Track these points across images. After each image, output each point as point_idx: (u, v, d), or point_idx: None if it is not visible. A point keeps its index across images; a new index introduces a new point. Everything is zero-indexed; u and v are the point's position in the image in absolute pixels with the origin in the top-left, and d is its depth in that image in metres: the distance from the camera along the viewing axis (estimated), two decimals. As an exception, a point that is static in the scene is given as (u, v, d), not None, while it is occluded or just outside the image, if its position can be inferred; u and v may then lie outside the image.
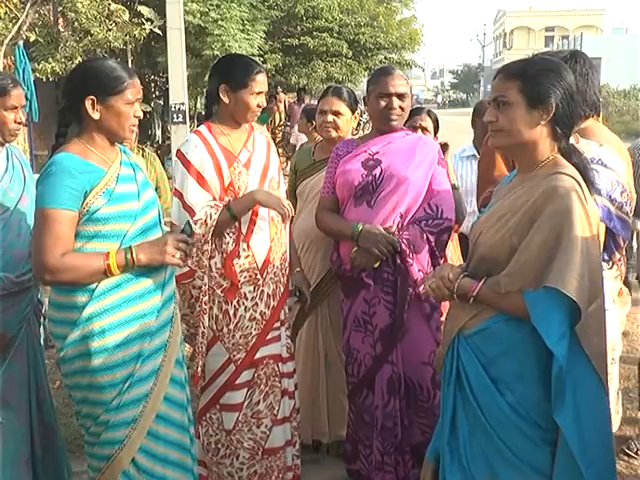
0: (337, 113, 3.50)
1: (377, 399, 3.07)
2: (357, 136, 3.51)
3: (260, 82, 2.91)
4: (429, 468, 2.32)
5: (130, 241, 2.39)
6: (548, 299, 1.97)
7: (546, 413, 2.04)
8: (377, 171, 3.07)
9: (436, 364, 2.48)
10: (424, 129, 3.79)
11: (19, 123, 2.81)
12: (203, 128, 2.97)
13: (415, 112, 3.93)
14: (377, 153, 3.11)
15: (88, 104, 2.34)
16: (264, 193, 2.90)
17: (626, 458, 3.53)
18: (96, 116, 2.35)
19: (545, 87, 2.06)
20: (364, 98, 3.25)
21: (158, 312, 2.47)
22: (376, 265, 3.01)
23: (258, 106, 2.92)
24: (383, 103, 3.07)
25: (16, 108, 2.79)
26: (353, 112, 3.57)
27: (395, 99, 3.05)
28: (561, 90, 2.06)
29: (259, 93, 2.91)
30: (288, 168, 5.13)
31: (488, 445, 2.12)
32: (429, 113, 3.97)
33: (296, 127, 8.07)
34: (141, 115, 2.46)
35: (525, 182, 2.15)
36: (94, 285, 2.35)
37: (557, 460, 2.04)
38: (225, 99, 2.91)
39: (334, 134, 3.51)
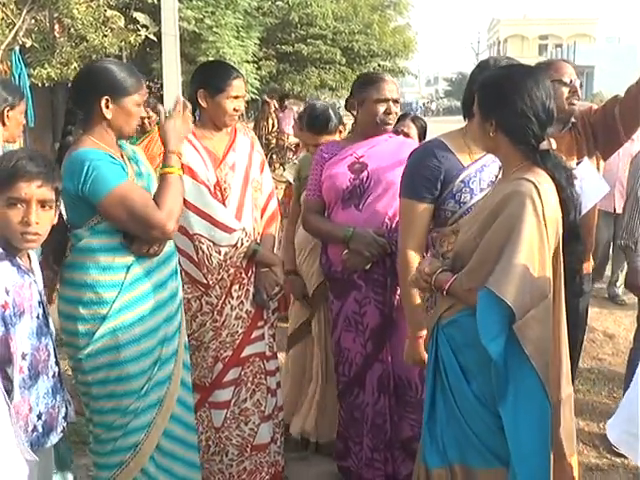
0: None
1: (367, 397, 3.13)
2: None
3: (236, 87, 2.99)
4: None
5: None
6: (488, 299, 2.04)
7: None
8: (364, 175, 3.13)
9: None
10: (406, 134, 3.87)
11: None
12: None
13: (400, 118, 4.03)
14: (363, 156, 3.16)
15: (102, 104, 2.42)
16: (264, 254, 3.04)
17: (608, 456, 3.61)
18: (109, 115, 2.44)
19: (489, 101, 2.18)
20: (347, 100, 3.28)
21: (176, 296, 2.60)
22: (367, 267, 3.09)
23: (235, 110, 3.00)
24: (382, 108, 3.12)
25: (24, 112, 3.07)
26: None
27: (392, 104, 3.15)
28: (508, 104, 2.13)
29: (236, 97, 2.99)
30: (284, 174, 5.20)
31: (459, 430, 2.22)
32: (414, 120, 4.06)
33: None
34: (144, 115, 2.63)
35: (500, 184, 2.25)
36: (122, 278, 2.42)
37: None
38: (203, 104, 2.99)
39: None
